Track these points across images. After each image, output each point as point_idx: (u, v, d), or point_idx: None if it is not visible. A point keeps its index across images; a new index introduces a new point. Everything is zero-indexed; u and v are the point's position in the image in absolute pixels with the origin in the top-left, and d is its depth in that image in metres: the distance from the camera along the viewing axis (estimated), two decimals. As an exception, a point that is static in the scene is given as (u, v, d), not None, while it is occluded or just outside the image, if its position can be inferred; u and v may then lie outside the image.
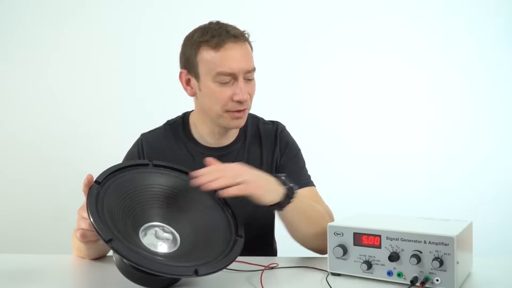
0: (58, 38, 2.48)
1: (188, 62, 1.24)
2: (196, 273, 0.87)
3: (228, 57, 1.18)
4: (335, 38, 2.53)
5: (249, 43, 1.26)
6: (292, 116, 2.42)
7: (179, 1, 2.50)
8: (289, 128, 1.46)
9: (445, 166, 2.50)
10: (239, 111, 1.22)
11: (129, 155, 1.36)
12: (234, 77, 1.19)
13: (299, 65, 2.52)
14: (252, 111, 1.45)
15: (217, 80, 1.19)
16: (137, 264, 0.85)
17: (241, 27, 1.27)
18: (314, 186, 1.37)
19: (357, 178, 2.48)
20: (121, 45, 2.49)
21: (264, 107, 1.49)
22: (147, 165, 1.07)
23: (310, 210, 1.15)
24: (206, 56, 1.19)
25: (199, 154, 1.32)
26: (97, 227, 0.87)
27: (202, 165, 1.29)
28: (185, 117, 1.39)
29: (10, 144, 2.46)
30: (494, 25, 2.50)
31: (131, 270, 0.91)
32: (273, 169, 1.36)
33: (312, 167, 1.44)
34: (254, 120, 1.41)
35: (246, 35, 1.25)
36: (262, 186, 1.03)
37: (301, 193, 1.12)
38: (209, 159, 1.07)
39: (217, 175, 0.99)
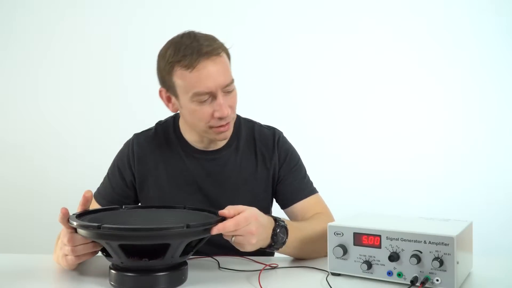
0: (47, 40, 2.49)
1: (165, 82, 1.21)
2: (188, 227, 0.88)
3: (202, 76, 1.13)
4: (336, 39, 2.53)
5: (226, 52, 1.20)
6: (293, 116, 2.44)
7: (170, 2, 2.49)
8: (290, 130, 1.44)
9: (445, 166, 2.49)
10: (222, 125, 1.20)
11: (120, 154, 1.35)
12: (212, 94, 1.16)
13: (298, 67, 2.52)
14: (251, 116, 1.42)
15: (195, 100, 1.16)
16: (134, 230, 0.88)
17: (230, 30, 1.23)
18: (317, 192, 1.36)
19: (357, 178, 2.48)
20: (111, 47, 2.50)
21: (263, 111, 1.48)
22: (119, 208, 1.11)
23: (305, 243, 1.13)
24: (181, 76, 1.15)
25: (191, 158, 1.31)
26: (84, 224, 0.91)
27: (193, 168, 1.29)
28: (175, 118, 1.36)
29: (10, 145, 2.46)
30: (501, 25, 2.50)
31: (129, 278, 0.92)
32: (269, 176, 1.33)
33: (312, 168, 1.44)
34: (248, 124, 1.38)
35: (221, 45, 1.19)
36: (255, 243, 1.00)
37: (296, 226, 1.11)
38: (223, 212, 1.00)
39: (233, 228, 0.96)
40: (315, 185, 1.38)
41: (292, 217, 1.35)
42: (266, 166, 1.33)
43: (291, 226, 1.10)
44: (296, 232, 1.10)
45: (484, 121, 2.51)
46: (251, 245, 1.00)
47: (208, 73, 1.13)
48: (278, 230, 1.06)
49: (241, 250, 1.02)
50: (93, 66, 2.50)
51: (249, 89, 1.75)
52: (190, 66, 1.13)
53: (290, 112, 2.46)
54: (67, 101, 2.49)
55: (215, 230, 0.94)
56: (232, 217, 0.97)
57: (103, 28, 2.49)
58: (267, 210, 1.36)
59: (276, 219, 1.08)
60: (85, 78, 2.50)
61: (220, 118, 1.17)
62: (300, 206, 1.32)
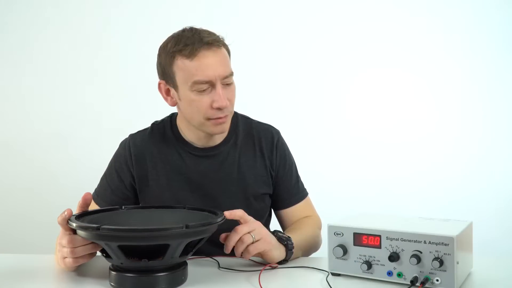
0: (41, 39, 2.49)
1: (165, 73, 1.23)
2: (187, 227, 0.89)
3: (203, 65, 1.16)
4: (339, 38, 2.53)
5: (226, 47, 1.23)
6: (293, 114, 2.44)
7: (168, 2, 2.49)
8: (289, 128, 1.44)
9: (445, 166, 2.49)
10: (220, 117, 1.21)
11: (117, 156, 1.35)
12: (211, 84, 1.17)
13: (300, 65, 2.52)
14: (254, 114, 1.43)
15: (194, 89, 1.17)
16: (134, 231, 0.88)
17: (232, 28, 1.25)
18: (307, 194, 1.41)
19: (357, 178, 2.48)
20: (107, 46, 2.50)
21: (264, 107, 1.48)
22: (119, 208, 1.11)
23: (306, 245, 1.25)
24: (181, 65, 1.18)
25: (189, 155, 1.31)
26: (83, 226, 0.91)
27: (193, 166, 1.29)
28: (172, 117, 1.37)
29: (10, 144, 2.46)
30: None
31: (129, 279, 0.92)
32: (268, 174, 1.34)
33: (312, 167, 1.44)
34: (246, 120, 1.39)
35: (221, 39, 1.22)
36: (270, 242, 1.09)
37: (296, 238, 1.17)
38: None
39: (236, 239, 1.05)
40: (315, 185, 1.39)
41: (281, 219, 1.41)
42: (265, 163, 1.34)
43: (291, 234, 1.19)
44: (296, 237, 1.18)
45: (484, 121, 2.51)
46: (271, 246, 1.08)
47: (208, 62, 1.16)
48: (280, 234, 1.14)
49: (269, 257, 1.09)
50: (96, 65, 2.50)
51: (249, 88, 1.76)
52: (191, 54, 1.15)
53: (293, 109, 2.46)
54: (67, 100, 2.49)
55: (228, 215, 1.04)
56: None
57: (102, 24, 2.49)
58: (266, 207, 1.37)
59: (274, 232, 1.16)
60: (85, 77, 2.50)
61: (218, 109, 1.18)
62: (290, 211, 1.38)
